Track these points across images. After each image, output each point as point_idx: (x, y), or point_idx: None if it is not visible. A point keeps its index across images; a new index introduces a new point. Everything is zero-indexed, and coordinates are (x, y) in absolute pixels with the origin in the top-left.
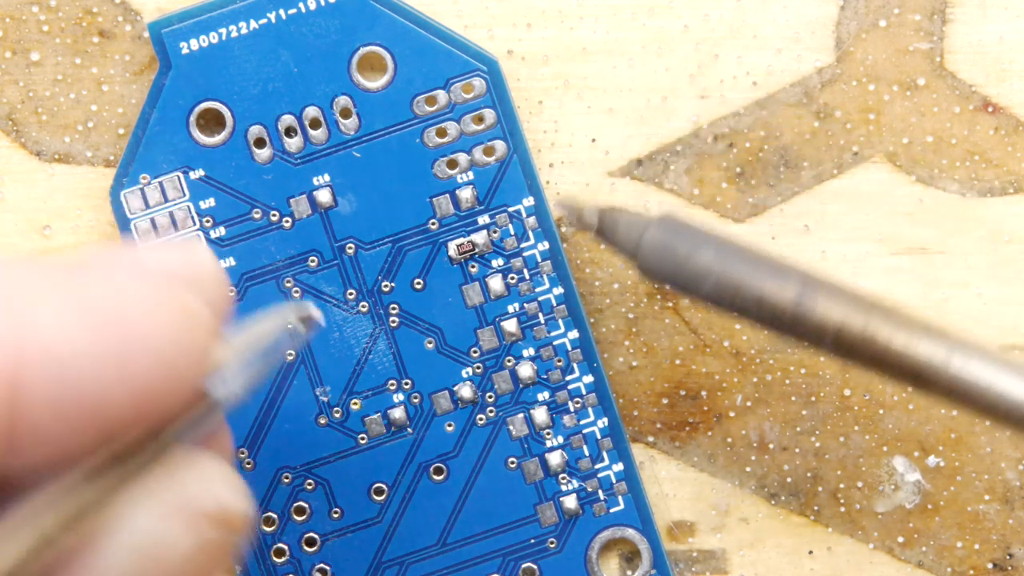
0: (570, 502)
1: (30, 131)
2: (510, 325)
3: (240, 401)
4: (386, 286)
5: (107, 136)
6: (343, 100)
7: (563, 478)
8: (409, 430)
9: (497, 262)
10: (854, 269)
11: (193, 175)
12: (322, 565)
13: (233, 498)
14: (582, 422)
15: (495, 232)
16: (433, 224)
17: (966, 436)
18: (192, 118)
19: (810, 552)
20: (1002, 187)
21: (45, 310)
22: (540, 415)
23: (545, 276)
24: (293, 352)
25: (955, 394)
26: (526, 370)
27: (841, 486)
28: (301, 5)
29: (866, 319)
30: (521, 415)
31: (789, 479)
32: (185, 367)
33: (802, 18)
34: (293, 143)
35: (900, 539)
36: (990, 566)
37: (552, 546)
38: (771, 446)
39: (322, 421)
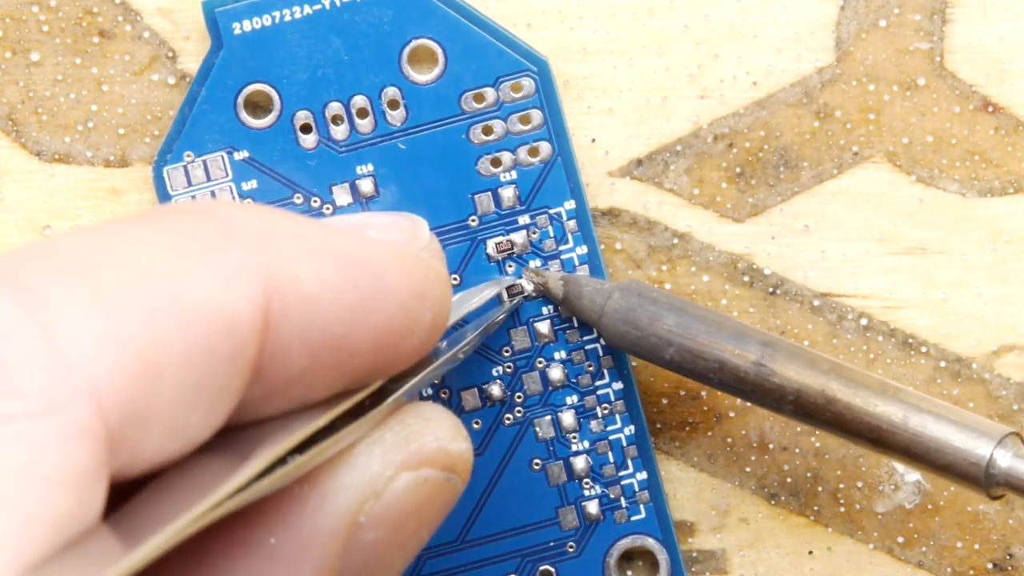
0: (592, 507)
1: (30, 131)
2: (543, 327)
3: (458, 362)
4: None
5: (107, 136)
6: (391, 91)
7: (586, 483)
8: None
9: (535, 263)
10: (854, 269)
11: (237, 156)
12: None
13: (454, 441)
14: (609, 428)
15: (534, 233)
16: (473, 221)
17: None
18: (240, 99)
19: (810, 552)
20: (1002, 187)
21: (298, 248)
22: (568, 418)
23: None
24: (501, 320)
25: (912, 454)
26: (556, 373)
27: (841, 486)
28: None
29: (825, 381)
30: (548, 417)
31: (789, 479)
32: (425, 321)
33: (802, 18)
34: (339, 131)
35: (900, 539)
36: (990, 566)
37: (571, 550)
38: (771, 446)
39: None
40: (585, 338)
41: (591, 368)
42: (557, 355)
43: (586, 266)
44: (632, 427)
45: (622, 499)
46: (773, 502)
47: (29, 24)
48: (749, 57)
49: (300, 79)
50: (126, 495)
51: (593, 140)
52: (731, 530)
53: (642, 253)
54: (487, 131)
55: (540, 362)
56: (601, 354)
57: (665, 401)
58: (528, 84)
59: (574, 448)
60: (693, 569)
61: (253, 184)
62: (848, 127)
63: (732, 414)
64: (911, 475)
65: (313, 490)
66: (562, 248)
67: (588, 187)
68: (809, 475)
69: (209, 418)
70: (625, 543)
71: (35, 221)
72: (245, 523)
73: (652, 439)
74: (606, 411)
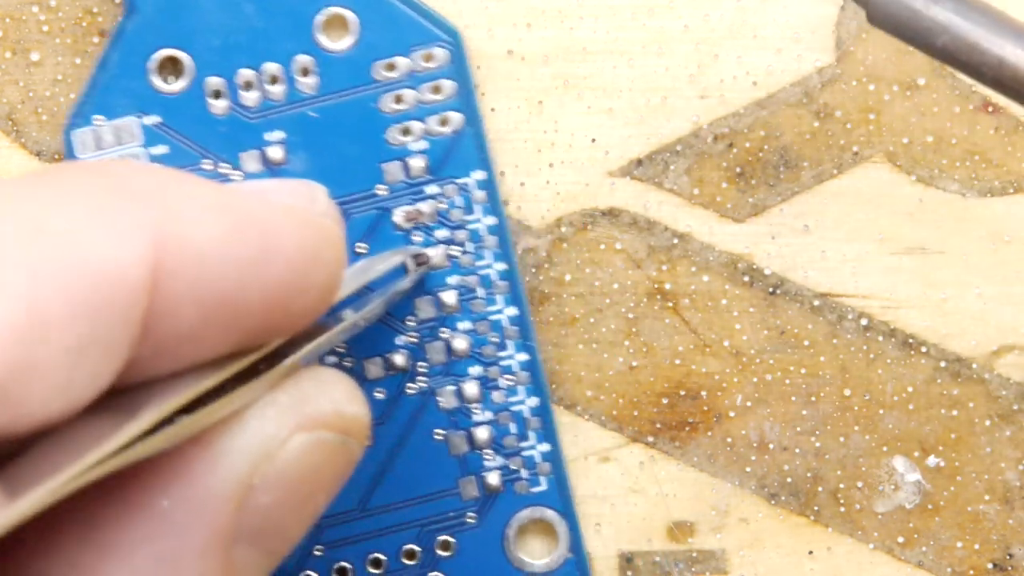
0: (492, 478)
1: (30, 131)
2: (449, 297)
3: (359, 329)
4: None
5: None
6: (304, 59)
7: (487, 454)
8: None
9: (441, 232)
10: (854, 269)
11: (148, 121)
12: None
13: (350, 404)
14: (511, 399)
15: (442, 203)
16: (381, 189)
17: (966, 436)
18: (152, 64)
19: (810, 552)
20: (1002, 187)
21: (191, 206)
22: (471, 389)
23: (488, 251)
24: (407, 289)
25: None
26: (461, 343)
27: (841, 486)
28: None
29: None
30: (452, 387)
31: (789, 479)
32: (318, 282)
33: (802, 18)
34: (250, 97)
35: (900, 539)
36: (990, 566)
37: (471, 520)
38: (771, 446)
39: None
40: (490, 308)
41: (496, 339)
42: (461, 325)
43: (495, 237)
44: (535, 399)
45: (523, 470)
46: (773, 502)
47: (29, 24)
48: (749, 57)
49: (212, 45)
50: (8, 458)
51: (593, 140)
52: (731, 530)
53: (642, 253)
54: (398, 100)
55: (444, 332)
56: (506, 325)
57: (665, 401)
58: (441, 54)
59: (476, 419)
60: (693, 569)
61: (163, 149)
62: (848, 127)
63: (732, 414)
64: (911, 475)
65: (205, 452)
66: (469, 218)
67: (588, 187)
68: (809, 475)
69: (96, 375)
70: (525, 515)
71: None
72: (137, 485)
73: (652, 439)
74: (510, 382)
